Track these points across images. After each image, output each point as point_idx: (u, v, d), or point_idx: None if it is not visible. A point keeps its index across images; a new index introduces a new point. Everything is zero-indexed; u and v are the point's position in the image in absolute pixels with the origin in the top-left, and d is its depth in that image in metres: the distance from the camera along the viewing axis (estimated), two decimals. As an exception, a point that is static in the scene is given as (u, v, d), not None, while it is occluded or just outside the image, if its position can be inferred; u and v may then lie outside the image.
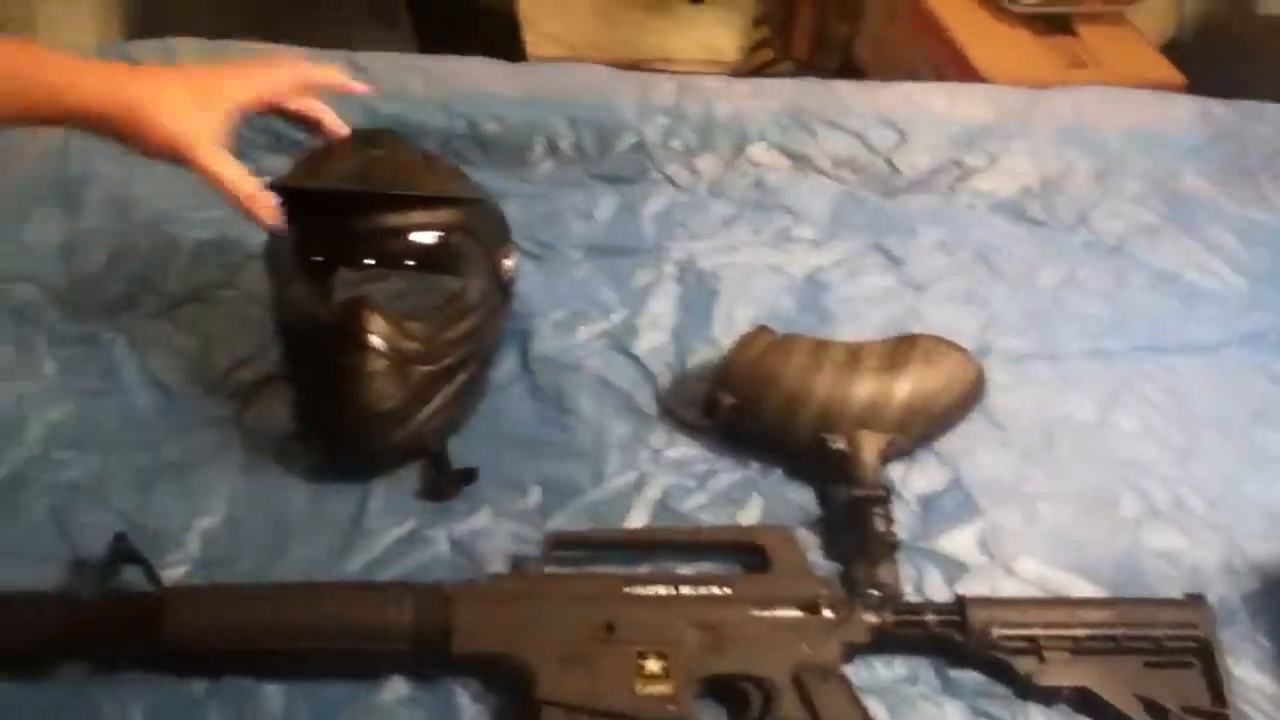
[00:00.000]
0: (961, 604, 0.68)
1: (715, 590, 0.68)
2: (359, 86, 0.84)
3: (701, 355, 0.87)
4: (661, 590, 0.67)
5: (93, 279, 0.90)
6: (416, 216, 0.76)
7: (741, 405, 0.78)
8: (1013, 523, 0.77)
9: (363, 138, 0.81)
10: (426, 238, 0.77)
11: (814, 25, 2.53)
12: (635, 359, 0.86)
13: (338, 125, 0.81)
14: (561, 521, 0.74)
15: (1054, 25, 2.04)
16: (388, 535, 0.73)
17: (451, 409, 0.78)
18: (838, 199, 1.03)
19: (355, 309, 0.73)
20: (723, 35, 2.68)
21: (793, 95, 1.10)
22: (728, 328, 0.89)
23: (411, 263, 0.78)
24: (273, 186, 0.74)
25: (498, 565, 0.71)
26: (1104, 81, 1.89)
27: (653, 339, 0.88)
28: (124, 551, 0.67)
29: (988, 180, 1.06)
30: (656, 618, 0.66)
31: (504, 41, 2.11)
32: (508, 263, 0.82)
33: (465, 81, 1.09)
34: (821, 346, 0.79)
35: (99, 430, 0.78)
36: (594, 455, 0.79)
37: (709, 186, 1.03)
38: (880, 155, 1.06)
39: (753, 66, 2.67)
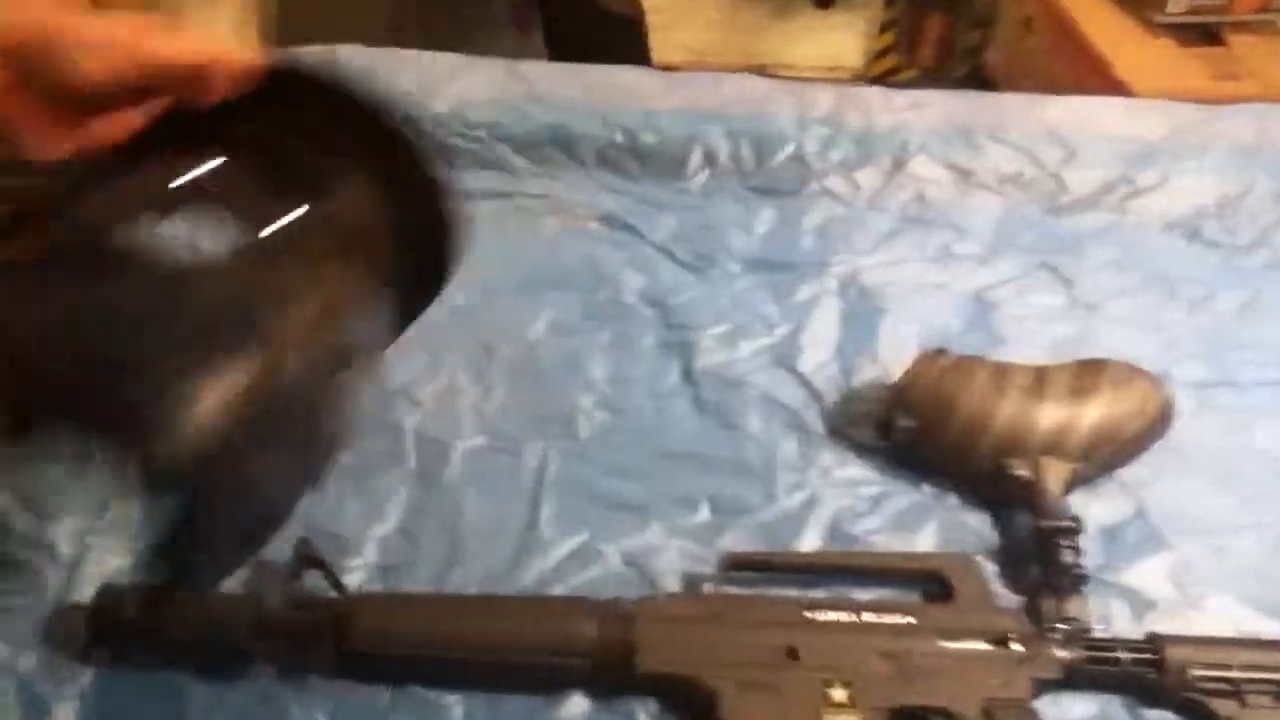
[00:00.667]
0: (1157, 641, 0.65)
1: (899, 618, 0.66)
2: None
3: (868, 373, 0.85)
4: (844, 616, 0.66)
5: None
6: None
7: (919, 428, 0.76)
8: (1202, 557, 0.73)
9: None
10: None
11: (942, 33, 2.49)
12: (800, 376, 0.85)
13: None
14: (732, 540, 0.73)
15: (1202, 35, 1.97)
16: (560, 548, 0.73)
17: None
18: (1002, 215, 1.00)
19: None
20: (847, 42, 2.65)
21: (954, 108, 1.07)
22: (893, 346, 0.87)
23: None
24: None
25: (671, 583, 0.71)
26: (1256, 94, 1.84)
27: (817, 355, 0.86)
28: (307, 556, 0.68)
29: (1160, 199, 1.02)
30: (840, 644, 0.65)
31: (631, 47, 2.11)
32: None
33: (623, 91, 1.09)
34: (1003, 370, 0.76)
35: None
36: (764, 473, 0.77)
37: (869, 200, 1.01)
38: (1047, 171, 1.03)
39: (876, 74, 2.64)
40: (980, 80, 2.32)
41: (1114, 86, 1.88)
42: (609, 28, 2.09)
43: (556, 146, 1.04)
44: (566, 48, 2.06)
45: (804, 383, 0.84)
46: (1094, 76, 1.93)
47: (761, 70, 2.66)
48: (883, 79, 2.59)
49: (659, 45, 2.13)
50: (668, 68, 2.26)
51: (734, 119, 1.05)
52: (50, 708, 0.63)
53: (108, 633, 0.65)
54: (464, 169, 1.03)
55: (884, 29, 2.59)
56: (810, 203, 1.01)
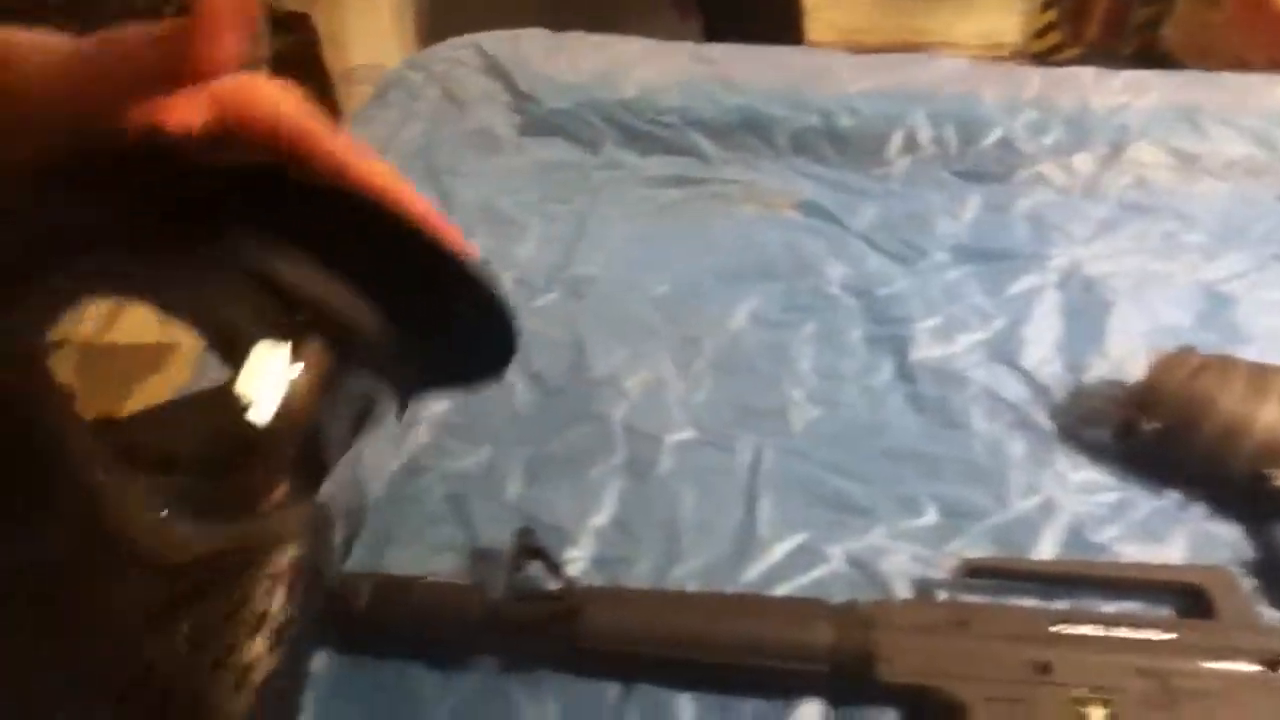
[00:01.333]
0: None
1: (1158, 634, 0.62)
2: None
3: (1097, 371, 0.80)
4: (1098, 630, 0.62)
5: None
6: None
7: (1166, 431, 0.71)
8: None
9: None
10: None
11: (1112, 8, 2.37)
12: (1023, 372, 0.81)
13: None
14: (963, 544, 0.70)
15: None
16: (781, 546, 0.70)
17: None
18: (1231, 203, 0.94)
19: None
20: (1005, 18, 2.56)
21: (1175, 89, 1.01)
22: (1123, 342, 0.82)
23: None
24: None
25: (901, 588, 0.68)
26: None
27: (1039, 351, 0.82)
28: (529, 547, 0.67)
29: None
30: (1095, 660, 0.61)
31: (786, 25, 2.08)
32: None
33: (814, 73, 1.06)
34: (1261, 371, 0.71)
35: (484, 423, 0.79)
36: (993, 475, 0.74)
37: (1084, 187, 0.96)
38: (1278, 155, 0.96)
39: (1037, 51, 2.53)
40: (1154, 58, 2.20)
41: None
42: (765, 9, 2.06)
43: (749, 131, 1.02)
44: (722, 30, 2.04)
45: (1028, 379, 0.80)
46: (1291, 55, 1.80)
47: (915, 49, 2.58)
48: (1044, 57, 2.48)
49: (811, 23, 2.08)
50: (818, 46, 2.22)
51: (937, 101, 1.01)
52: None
53: (339, 621, 0.65)
54: (654, 154, 1.01)
55: (1047, 4, 2.48)
56: (1021, 189, 0.96)
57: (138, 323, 1.63)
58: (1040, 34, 2.52)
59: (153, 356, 1.53)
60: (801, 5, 2.04)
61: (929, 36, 2.56)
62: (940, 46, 2.53)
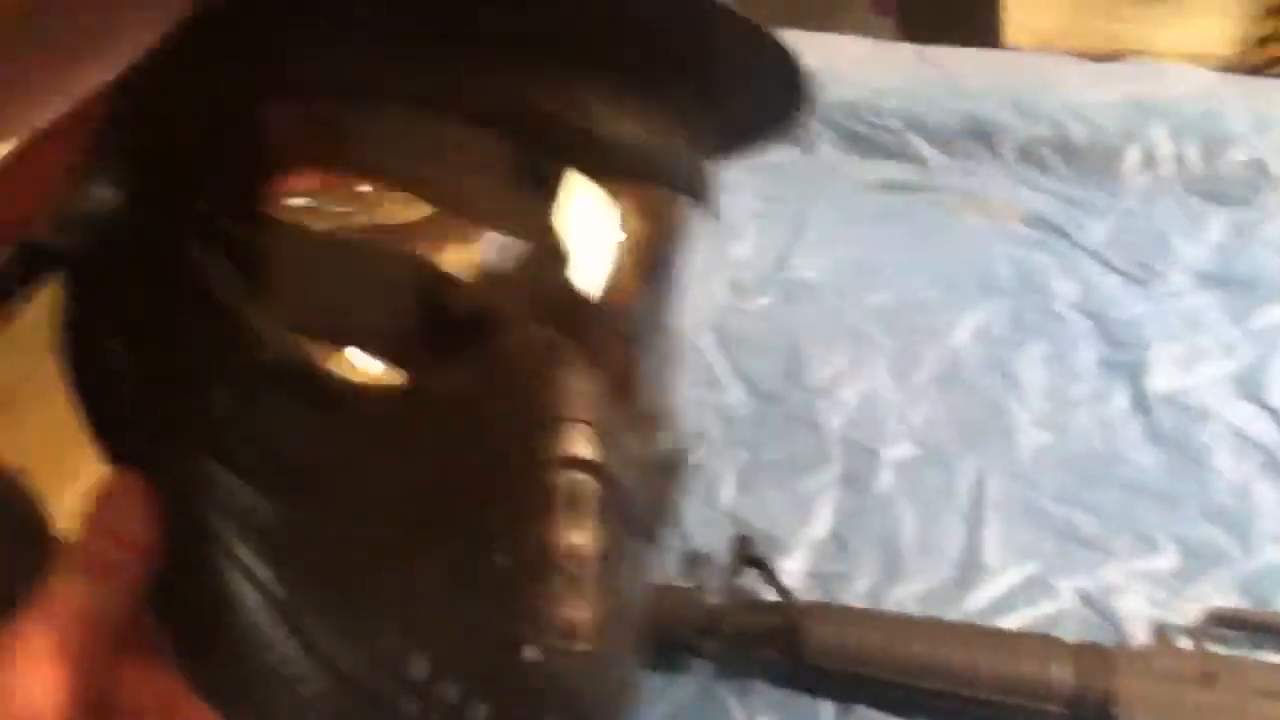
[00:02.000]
0: None
1: None
2: None
3: (1356, 415, 0.75)
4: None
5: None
6: None
7: None
8: None
9: None
10: None
11: (1341, 18, 2.21)
12: (1273, 411, 0.76)
13: None
14: (1206, 590, 0.66)
15: None
16: (1006, 576, 0.67)
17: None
18: None
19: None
20: (1218, 25, 2.41)
21: None
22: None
23: None
24: None
25: (1138, 631, 0.64)
26: None
27: (1291, 391, 0.77)
28: (748, 556, 0.66)
29: None
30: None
31: (988, 30, 2.01)
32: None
33: (1042, 79, 1.02)
34: None
35: (698, 426, 0.78)
36: (1238, 519, 0.69)
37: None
38: None
39: (1254, 64, 2.39)
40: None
41: None
42: (965, 10, 2.00)
43: (974, 138, 0.98)
44: (920, 30, 1.99)
45: (1278, 419, 0.75)
46: None
47: (1113, 57, 2.47)
48: (1262, 70, 2.33)
49: (1010, 30, 2.01)
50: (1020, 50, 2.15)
51: (1178, 115, 0.96)
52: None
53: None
54: (874, 158, 0.99)
55: (1270, 12, 2.33)
56: (1270, 214, 0.90)
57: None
58: (1260, 44, 2.37)
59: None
60: (999, 8, 1.98)
61: (1128, 44, 2.44)
62: (1139, 55, 2.42)
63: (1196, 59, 2.41)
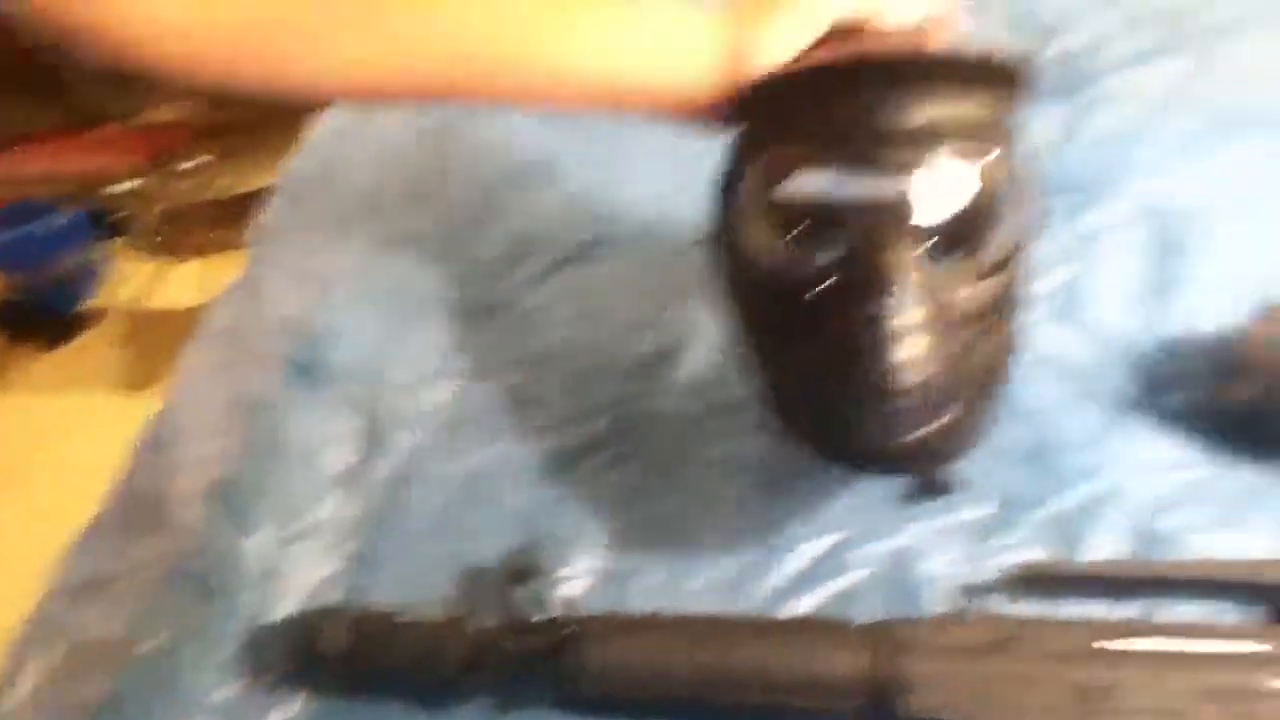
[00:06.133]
0: None
1: (1236, 647, 0.53)
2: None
3: (1179, 326, 0.69)
4: (1162, 644, 0.53)
5: (467, 241, 0.84)
6: (952, 107, 0.53)
7: (1264, 398, 0.61)
8: None
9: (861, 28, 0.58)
10: (968, 148, 0.53)
11: None
12: (1091, 330, 0.70)
13: None
14: (1013, 541, 0.61)
15: None
16: (802, 552, 0.63)
17: (991, 388, 0.57)
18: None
19: (881, 241, 0.51)
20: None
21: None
22: (1212, 291, 0.70)
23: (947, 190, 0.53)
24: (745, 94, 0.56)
25: (941, 598, 0.60)
26: None
27: (1112, 305, 0.71)
28: (525, 567, 0.61)
29: None
30: (1159, 683, 0.52)
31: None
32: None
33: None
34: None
35: (485, 417, 0.72)
36: (1051, 455, 0.64)
37: (1172, 96, 0.83)
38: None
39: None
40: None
41: None
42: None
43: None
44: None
45: (1096, 339, 0.70)
46: None
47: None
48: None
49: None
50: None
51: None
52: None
53: (314, 660, 0.60)
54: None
55: None
56: (1093, 106, 0.84)
57: (178, 288, 1.61)
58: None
59: (195, 321, 1.51)
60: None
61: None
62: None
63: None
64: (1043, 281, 0.73)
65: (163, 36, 0.52)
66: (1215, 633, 0.54)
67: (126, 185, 1.49)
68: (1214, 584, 0.57)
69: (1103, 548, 0.60)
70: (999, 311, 0.56)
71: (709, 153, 0.59)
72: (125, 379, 1.48)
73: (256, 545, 0.65)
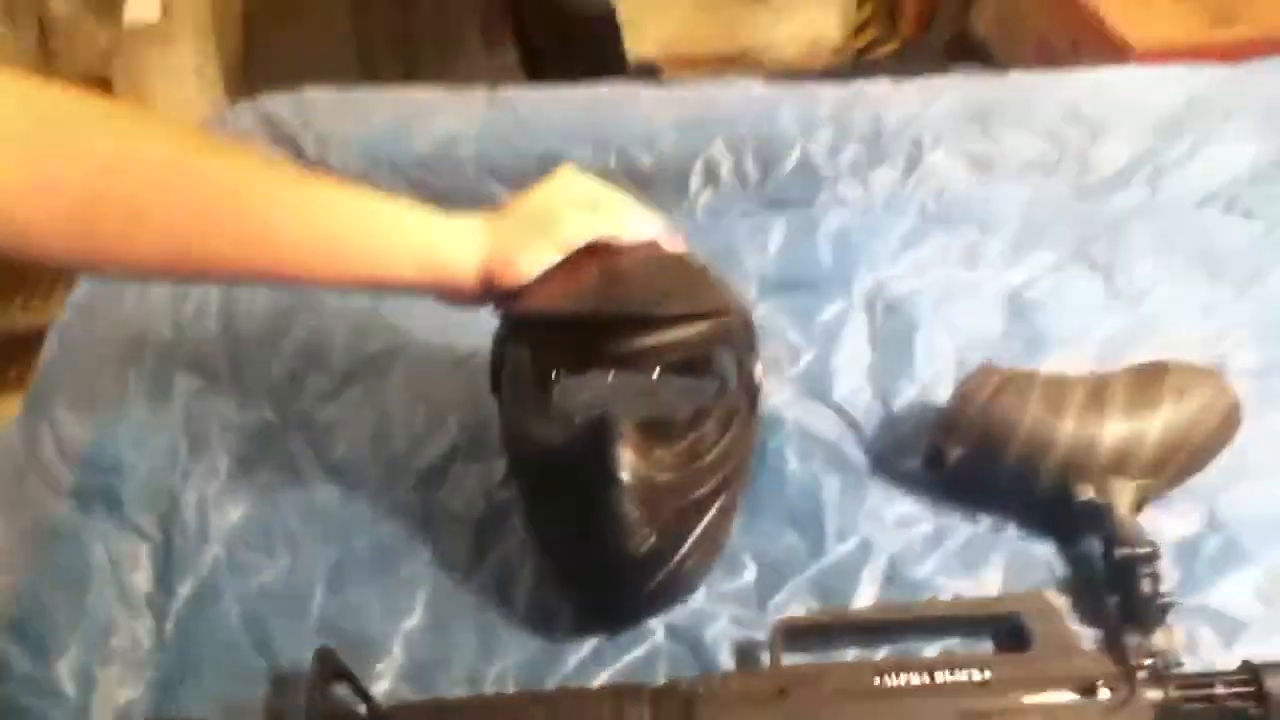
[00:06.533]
0: (1254, 670, 0.60)
1: (975, 675, 0.61)
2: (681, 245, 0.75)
3: (907, 396, 0.80)
4: (915, 679, 0.61)
5: (254, 360, 0.86)
6: (674, 334, 0.65)
7: (973, 455, 0.70)
8: (1289, 566, 0.68)
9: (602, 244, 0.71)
10: (684, 355, 0.67)
11: (921, 2, 2.42)
12: (835, 405, 0.79)
13: None
14: (783, 600, 0.68)
15: (1196, -20, 1.90)
16: (595, 632, 0.67)
17: (711, 543, 0.69)
18: (1029, 204, 0.94)
19: (604, 438, 0.62)
20: (825, 18, 2.59)
21: (968, 93, 1.01)
22: (932, 362, 0.81)
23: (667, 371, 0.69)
24: (508, 314, 0.70)
25: (723, 656, 0.66)
26: (1254, 37, 1.78)
27: (850, 381, 0.81)
28: (330, 668, 0.63)
29: (1192, 171, 0.96)
30: (918, 710, 0.60)
31: (605, 45, 2.05)
32: (759, 371, 0.73)
33: (614, 109, 1.04)
34: (1058, 384, 0.71)
35: (283, 528, 0.74)
36: (809, 521, 0.72)
37: (885, 202, 0.96)
38: (1071, 153, 0.97)
39: (858, 48, 2.57)
40: (968, 47, 2.25)
41: (1109, 41, 1.82)
42: (581, 28, 2.03)
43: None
44: (540, 54, 2.01)
45: (840, 412, 0.79)
46: (1089, 34, 1.87)
47: (741, 56, 2.61)
48: (865, 52, 2.52)
49: (632, 40, 2.07)
50: (643, 62, 2.21)
51: (733, 128, 1.00)
52: None
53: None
54: (452, 206, 0.97)
55: (862, 2, 2.52)
56: (824, 212, 0.95)
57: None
58: (859, 30, 2.56)
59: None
60: (618, 24, 2.02)
61: (752, 41, 2.58)
62: (763, 50, 2.56)
63: (811, 48, 2.58)
64: (795, 366, 0.83)
65: None
66: (957, 664, 0.62)
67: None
68: (950, 622, 0.66)
69: (864, 597, 0.68)
70: (709, 483, 0.67)
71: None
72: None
73: (64, 670, 0.64)
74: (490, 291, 0.68)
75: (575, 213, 0.69)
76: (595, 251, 0.70)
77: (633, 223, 0.72)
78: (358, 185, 0.68)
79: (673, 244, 0.74)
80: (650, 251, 0.72)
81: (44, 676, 0.64)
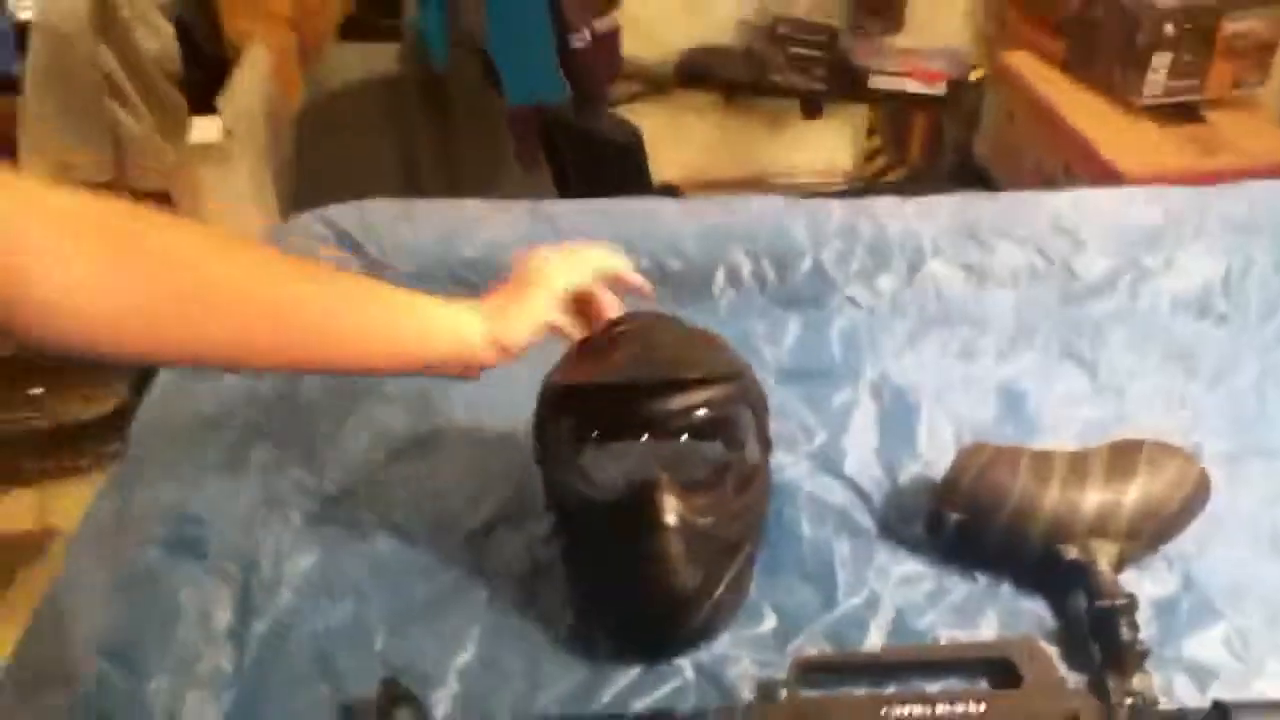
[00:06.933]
0: (1223, 709, 0.67)
1: (971, 708, 0.68)
2: (643, 285, 0.88)
3: (910, 471, 0.88)
4: (918, 710, 0.68)
5: (323, 436, 0.95)
6: (699, 396, 0.76)
7: (969, 520, 0.79)
8: (1256, 624, 0.76)
9: (625, 321, 0.83)
10: (710, 414, 0.77)
11: (927, 131, 2.58)
12: (847, 479, 0.88)
13: (615, 312, 0.84)
14: (800, 645, 0.76)
15: (1182, 114, 2.05)
16: (635, 664, 0.75)
17: (739, 584, 0.78)
18: (1019, 307, 1.05)
19: (650, 490, 0.73)
20: (838, 147, 2.75)
21: (961, 209, 1.13)
22: (932, 441, 0.90)
23: (694, 437, 0.79)
24: (552, 385, 0.80)
25: (745, 693, 0.73)
26: (1238, 165, 1.90)
27: (860, 458, 0.90)
28: (395, 693, 0.70)
29: (1168, 279, 1.07)
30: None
31: (632, 170, 2.19)
32: (770, 427, 0.84)
33: (645, 220, 1.15)
34: (1043, 457, 0.80)
35: (348, 577, 0.82)
36: (822, 577, 0.80)
37: (889, 304, 1.06)
38: (1057, 262, 1.08)
39: (869, 175, 2.73)
40: (972, 172, 2.40)
41: (1102, 168, 1.94)
42: (611, 153, 2.18)
43: (587, 278, 1.09)
44: (571, 176, 2.15)
45: (851, 485, 0.88)
46: (1081, 160, 2.00)
47: (760, 180, 2.77)
48: (875, 179, 2.67)
49: (658, 165, 2.22)
50: (666, 185, 2.36)
51: (753, 238, 1.11)
52: None
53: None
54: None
55: (871, 132, 2.68)
56: (834, 312, 1.05)
57: (11, 518, 1.61)
58: (869, 159, 2.72)
59: (33, 547, 1.51)
60: (644, 149, 2.17)
61: (770, 169, 2.73)
62: (779, 176, 2.71)
63: (825, 175, 2.73)
64: (809, 445, 0.92)
65: (64, 318, 0.60)
66: (955, 698, 0.69)
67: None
68: (949, 663, 0.74)
69: (872, 646, 0.76)
70: (735, 530, 0.77)
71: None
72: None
73: (156, 690, 0.72)
74: (498, 354, 0.77)
75: (550, 265, 0.81)
76: (624, 332, 0.81)
77: (599, 255, 0.84)
78: (389, 283, 0.78)
79: (633, 279, 0.87)
80: (672, 328, 0.83)
81: (139, 695, 0.72)
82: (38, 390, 1.55)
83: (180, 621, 0.77)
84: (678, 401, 0.76)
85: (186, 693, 0.73)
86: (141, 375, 1.19)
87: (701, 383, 0.77)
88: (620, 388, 0.77)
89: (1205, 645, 0.75)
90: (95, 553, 0.82)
